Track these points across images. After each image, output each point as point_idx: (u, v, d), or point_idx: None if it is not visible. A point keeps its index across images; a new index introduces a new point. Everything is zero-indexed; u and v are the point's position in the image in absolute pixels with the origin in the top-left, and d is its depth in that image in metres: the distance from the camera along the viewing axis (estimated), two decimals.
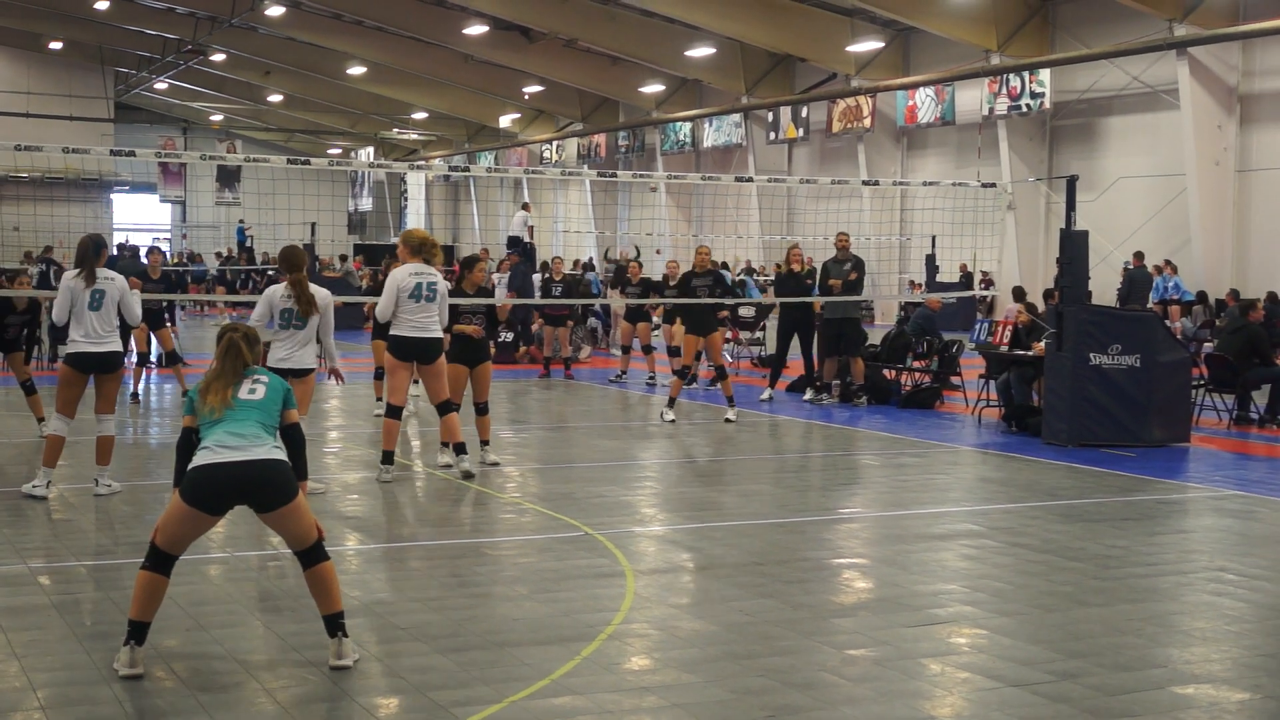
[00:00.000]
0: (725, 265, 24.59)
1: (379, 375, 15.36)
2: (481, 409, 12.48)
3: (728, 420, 15.66)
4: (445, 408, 11.59)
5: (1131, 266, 29.06)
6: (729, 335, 22.56)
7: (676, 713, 5.83)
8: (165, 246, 59.21)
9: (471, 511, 10.51)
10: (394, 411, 11.53)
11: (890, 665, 6.57)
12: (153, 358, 20.22)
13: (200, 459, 6.22)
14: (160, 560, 6.27)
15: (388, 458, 11.49)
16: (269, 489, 6.23)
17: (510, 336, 23.60)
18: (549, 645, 6.76)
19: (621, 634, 6.98)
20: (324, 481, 11.15)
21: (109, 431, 10.64)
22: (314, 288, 10.54)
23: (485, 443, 12.50)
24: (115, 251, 27.18)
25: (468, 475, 11.57)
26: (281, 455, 6.37)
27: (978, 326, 18.15)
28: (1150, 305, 27.25)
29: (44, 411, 13.41)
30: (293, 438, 6.56)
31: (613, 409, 17.65)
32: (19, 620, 7.06)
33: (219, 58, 51.92)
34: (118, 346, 10.65)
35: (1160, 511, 10.96)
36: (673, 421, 15.60)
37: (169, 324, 18.06)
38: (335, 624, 6.36)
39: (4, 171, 52.53)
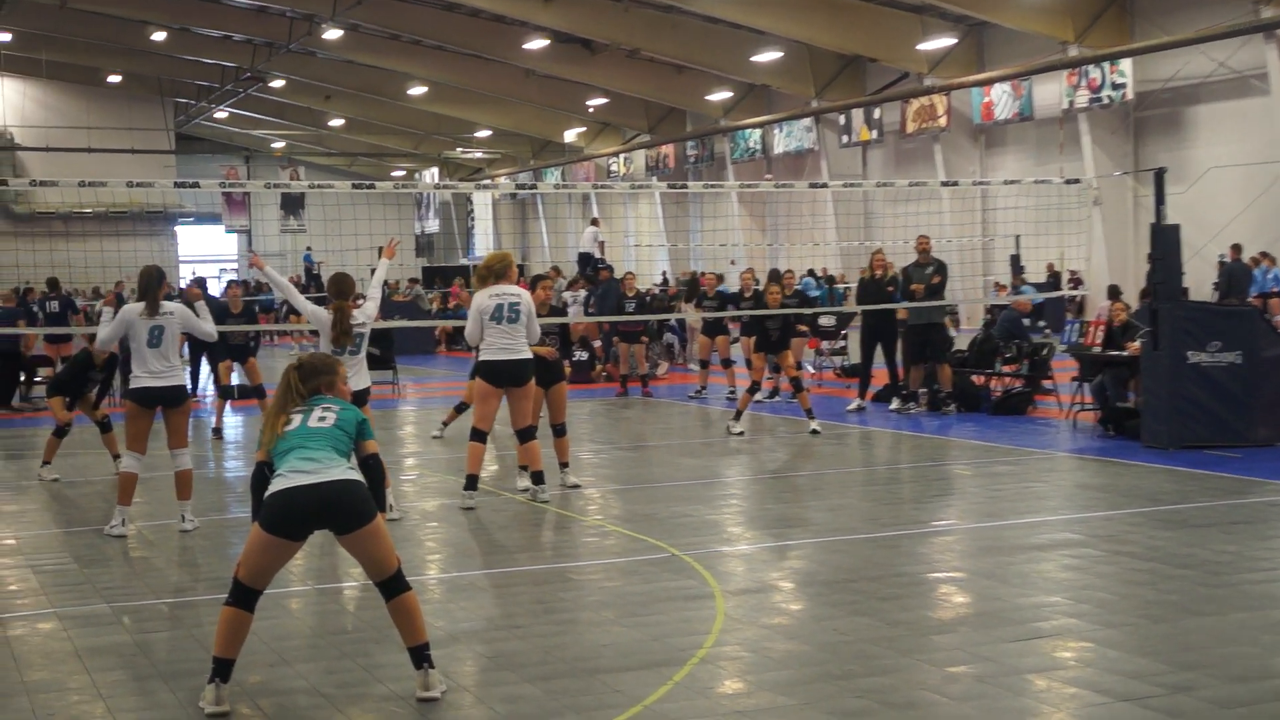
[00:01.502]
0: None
1: (460, 408, 15.42)
2: (558, 430, 12.39)
3: (814, 432, 15.59)
4: (527, 434, 11.62)
5: (1228, 260, 28.63)
6: (808, 345, 22.47)
7: None
8: (233, 277, 60.09)
9: (554, 536, 10.53)
10: (479, 436, 11.51)
11: (994, 682, 6.50)
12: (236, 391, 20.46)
13: (275, 485, 6.29)
14: (244, 596, 6.32)
15: (471, 483, 11.50)
16: (345, 509, 6.27)
17: (586, 355, 23.66)
18: (640, 670, 6.75)
19: (713, 657, 6.96)
20: (402, 510, 11.21)
21: (185, 465, 10.72)
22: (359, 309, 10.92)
23: (564, 465, 12.49)
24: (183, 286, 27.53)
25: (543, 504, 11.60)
26: (356, 476, 6.41)
27: (1068, 327, 17.93)
28: (1250, 299, 26.82)
29: (119, 449, 13.57)
30: (370, 469, 6.59)
31: (693, 426, 17.63)
32: (103, 660, 7.15)
33: (278, 84, 52.54)
34: (180, 380, 10.74)
35: (1271, 514, 10.77)
36: (740, 434, 15.59)
37: (254, 356, 18.22)
38: (420, 655, 6.38)
39: (69, 208, 53.46)
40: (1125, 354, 15.21)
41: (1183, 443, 13.68)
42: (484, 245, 63.42)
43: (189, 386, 10.80)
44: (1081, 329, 17.05)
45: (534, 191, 44.92)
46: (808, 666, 6.81)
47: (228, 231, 63.51)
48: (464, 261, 58.36)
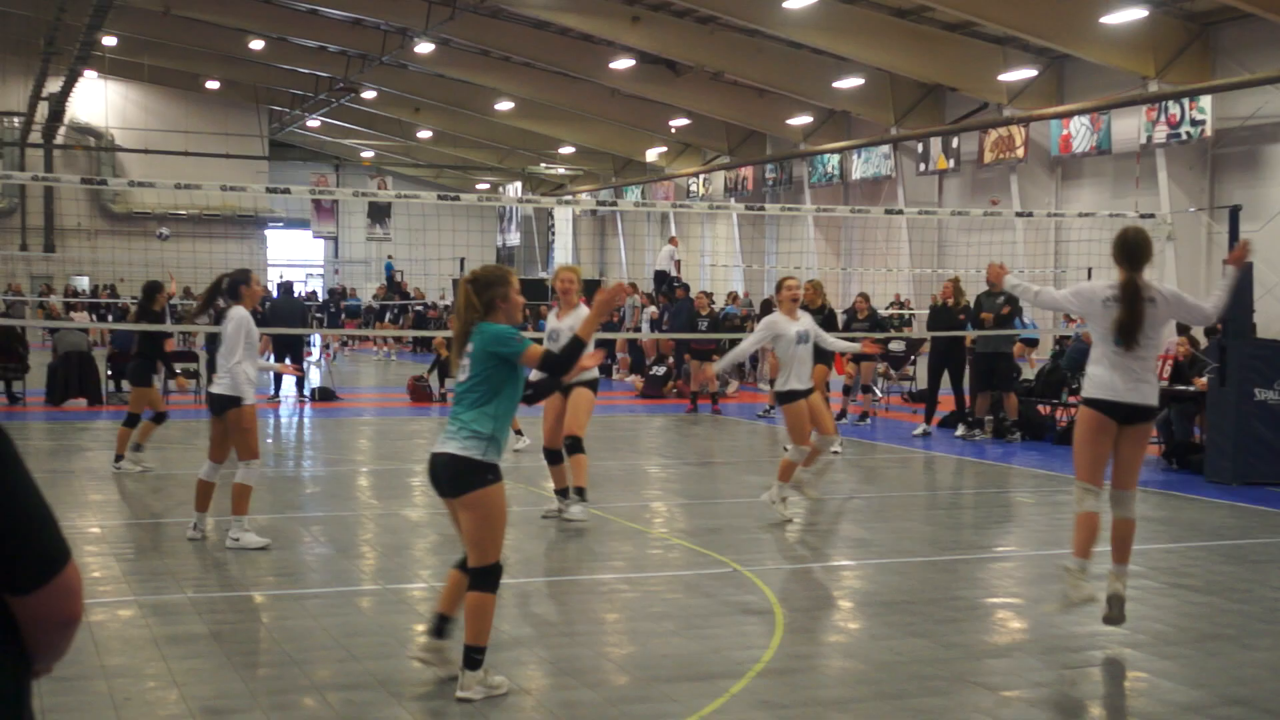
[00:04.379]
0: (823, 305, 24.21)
1: None
2: (570, 445, 11.24)
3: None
4: (573, 445, 11.22)
5: None
6: (879, 369, 22.42)
7: None
8: (317, 284, 60.71)
9: (619, 547, 10.56)
10: (550, 455, 11.43)
11: (1046, 708, 6.47)
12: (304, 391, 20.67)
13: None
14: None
15: (580, 493, 11.18)
16: (444, 479, 6.45)
17: (662, 371, 23.72)
18: (697, 681, 6.77)
19: (770, 671, 6.97)
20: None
21: (236, 479, 10.17)
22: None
23: (578, 490, 11.24)
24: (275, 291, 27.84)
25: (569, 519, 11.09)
26: (461, 451, 6.33)
27: None
28: None
29: (138, 440, 14.08)
30: (546, 367, 6.57)
31: (760, 444, 17.62)
32: (178, 649, 7.26)
33: (370, 95, 53.05)
34: (220, 388, 10.16)
35: None
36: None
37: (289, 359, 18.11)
38: (468, 656, 6.43)
39: (164, 209, 54.30)
40: (1192, 389, 15.07)
41: (1246, 479, 13.53)
42: (563, 259, 63.65)
43: (236, 396, 10.11)
44: None
45: (614, 209, 45.09)
46: (863, 685, 6.81)
47: (315, 237, 64.32)
48: (542, 275, 58.62)
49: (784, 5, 33.41)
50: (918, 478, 15.03)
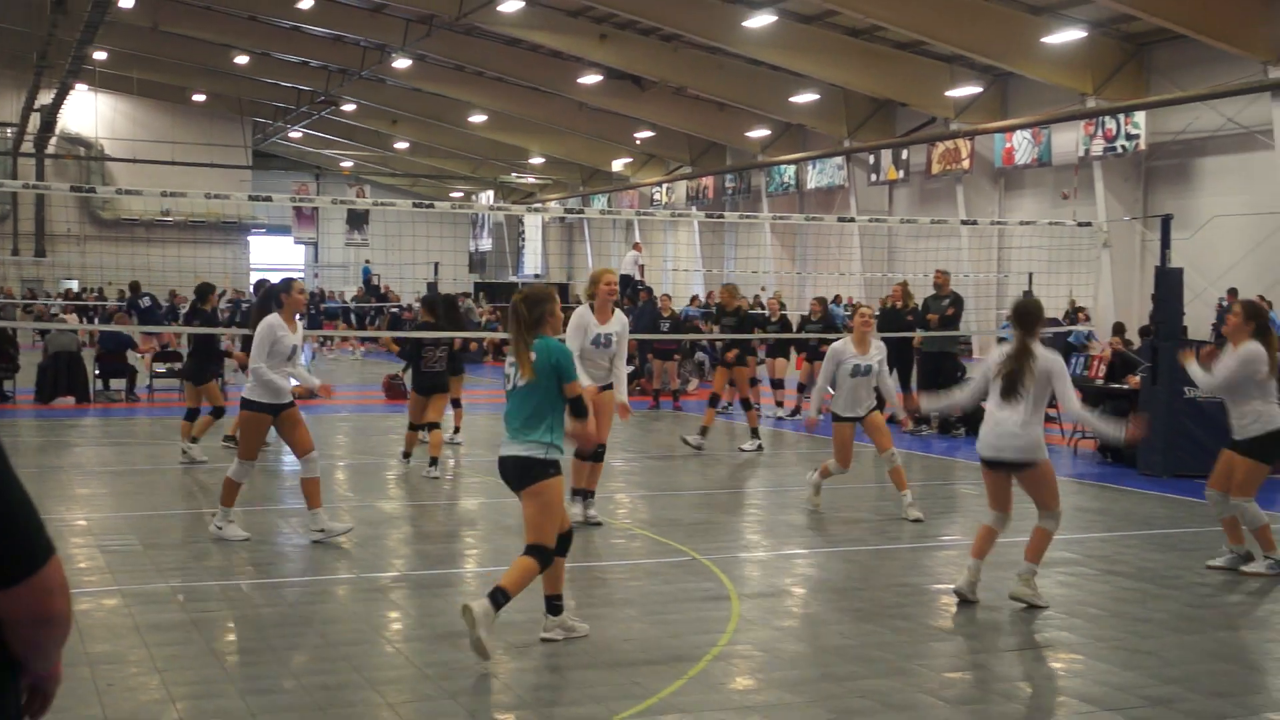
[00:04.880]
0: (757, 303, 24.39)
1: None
2: (597, 452, 10.58)
3: (741, 450, 15.70)
4: (599, 452, 10.60)
5: (1226, 303, 28.44)
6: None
7: None
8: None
9: (583, 537, 10.51)
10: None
11: (987, 688, 6.48)
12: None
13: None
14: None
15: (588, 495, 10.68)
16: (513, 477, 7.06)
17: (632, 369, 23.68)
18: (657, 665, 6.76)
19: (726, 655, 6.96)
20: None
21: (302, 474, 9.95)
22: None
23: (587, 492, 10.76)
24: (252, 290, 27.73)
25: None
26: (527, 453, 6.93)
27: (1074, 360, 17.86)
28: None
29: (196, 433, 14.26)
30: (572, 410, 7.11)
31: (718, 439, 17.61)
32: (160, 636, 7.20)
33: (349, 108, 52.86)
34: (245, 390, 9.91)
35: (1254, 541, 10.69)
36: (759, 449, 15.75)
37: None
38: (549, 603, 7.16)
39: (151, 216, 54.00)
40: (1125, 387, 15.14)
41: (1176, 471, 13.60)
42: (533, 265, 63.63)
43: (250, 399, 9.80)
44: (1086, 363, 16.98)
45: (581, 216, 45.06)
46: (814, 667, 6.81)
47: (296, 243, 64.03)
48: (513, 279, 58.54)
49: (744, 24, 33.47)
50: (867, 471, 15.05)
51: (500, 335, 15.12)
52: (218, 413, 14.44)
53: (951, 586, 8.28)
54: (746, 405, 16.30)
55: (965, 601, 8.11)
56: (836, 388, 11.30)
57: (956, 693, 6.39)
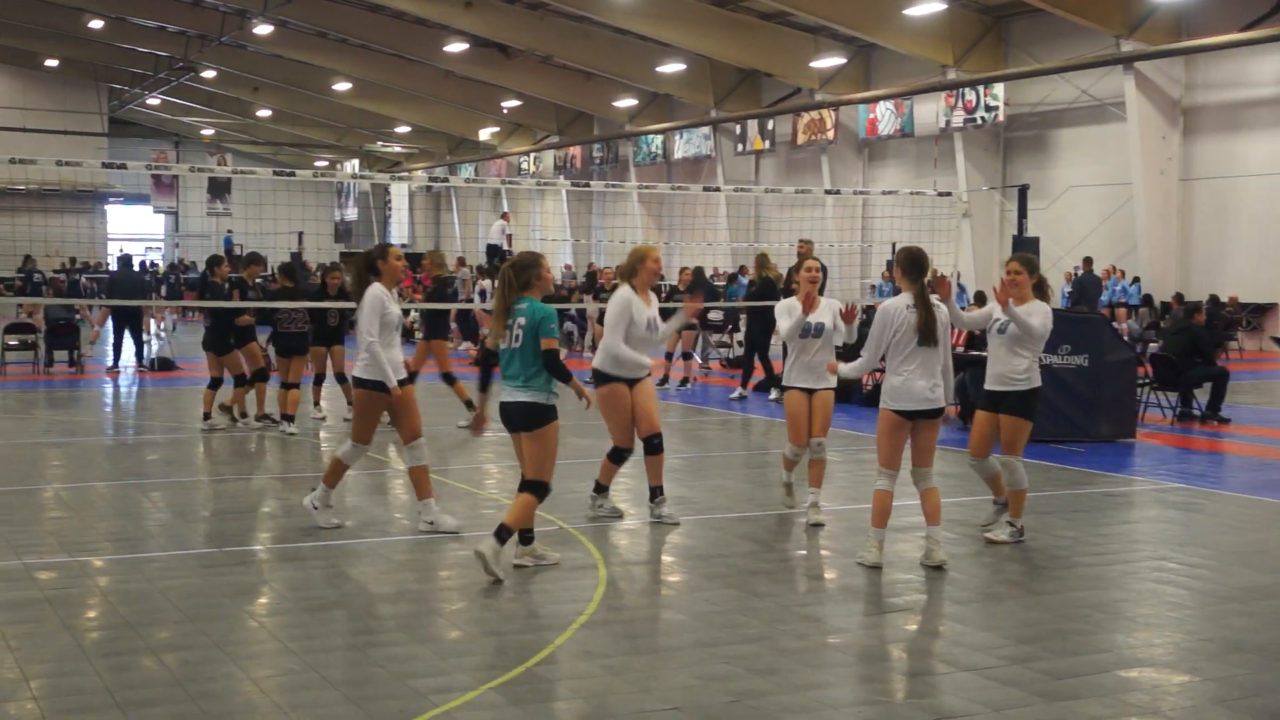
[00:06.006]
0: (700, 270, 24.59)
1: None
2: (656, 443, 9.69)
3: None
4: (658, 443, 9.73)
5: (1081, 272, 29.16)
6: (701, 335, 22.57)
7: (645, 698, 5.82)
8: (158, 256, 59.11)
9: (452, 506, 10.43)
10: (620, 455, 9.87)
11: (849, 651, 6.59)
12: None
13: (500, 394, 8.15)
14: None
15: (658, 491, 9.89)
16: (518, 421, 8.02)
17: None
18: (525, 634, 6.76)
19: (593, 623, 6.98)
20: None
21: (408, 462, 9.31)
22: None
23: (657, 489, 9.86)
24: (114, 264, 27.03)
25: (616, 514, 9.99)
26: (529, 398, 7.94)
27: None
28: (1100, 308, 27.32)
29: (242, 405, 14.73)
30: (547, 364, 7.96)
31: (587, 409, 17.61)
32: (13, 614, 7.02)
33: (209, 74, 51.77)
34: (360, 370, 9.09)
35: (1107, 504, 11.02)
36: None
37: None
38: (501, 531, 7.78)
39: (1, 185, 52.36)
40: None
41: (1033, 437, 13.87)
42: (399, 234, 62.98)
43: (378, 380, 8.98)
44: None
45: (447, 185, 44.70)
46: (681, 634, 6.86)
47: (155, 212, 62.63)
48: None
49: None
50: (735, 438, 15.19)
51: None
52: (239, 381, 14.71)
53: (804, 552, 8.37)
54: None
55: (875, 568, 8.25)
56: (788, 353, 9.90)
57: (819, 657, 6.48)
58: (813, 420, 9.78)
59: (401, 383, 9.03)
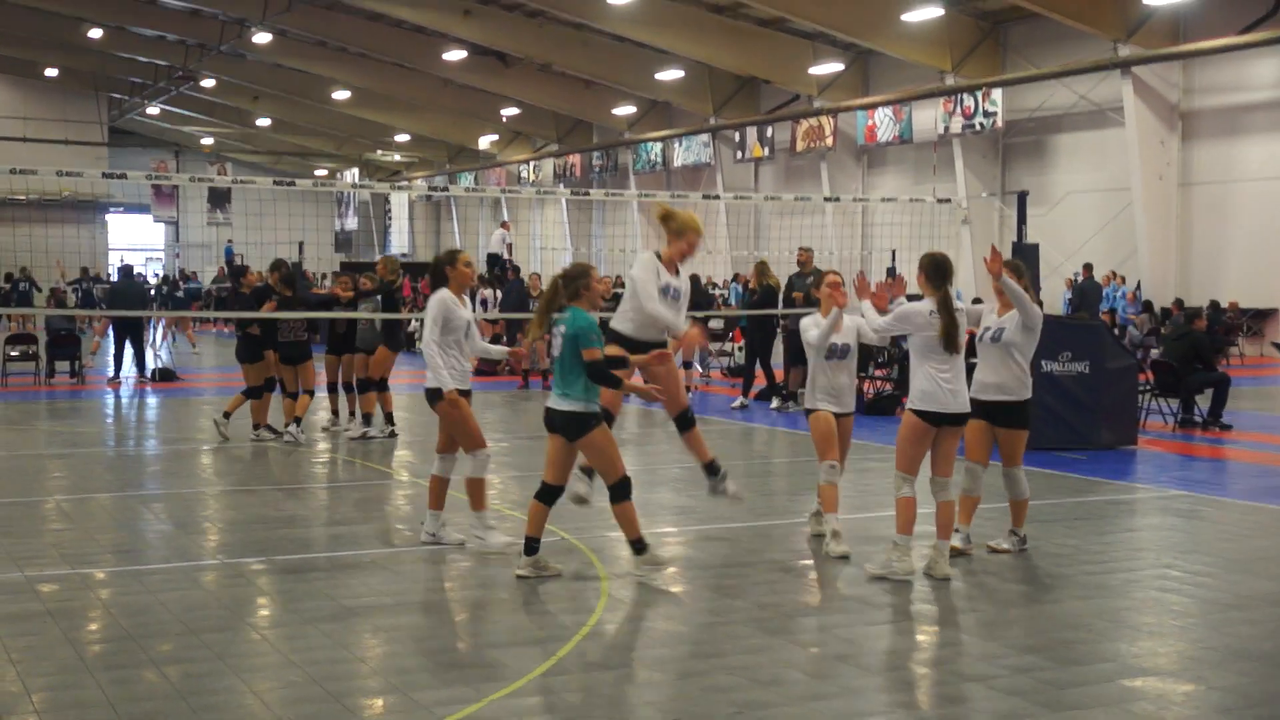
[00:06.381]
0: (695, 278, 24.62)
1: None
2: (687, 420, 9.27)
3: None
4: (688, 419, 9.29)
5: (1081, 278, 29.17)
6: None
7: (648, 710, 5.81)
8: (157, 267, 59.05)
9: (452, 518, 10.43)
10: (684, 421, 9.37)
11: (852, 662, 6.57)
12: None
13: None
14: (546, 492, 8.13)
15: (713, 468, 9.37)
16: (563, 430, 8.07)
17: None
18: (527, 646, 6.74)
19: (596, 635, 6.97)
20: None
21: (466, 473, 9.17)
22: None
23: (711, 466, 9.32)
24: (115, 275, 26.98)
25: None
26: (570, 406, 7.98)
27: None
28: (1100, 314, 27.31)
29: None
30: (592, 374, 7.92)
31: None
32: (16, 627, 7.00)
33: (209, 83, 51.78)
34: (429, 380, 9.02)
35: (1109, 511, 11.00)
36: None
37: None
38: (634, 547, 8.15)
39: (2, 195, 52.36)
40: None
41: (1034, 445, 13.83)
42: (399, 243, 63.02)
43: (436, 387, 8.94)
44: None
45: (447, 194, 44.72)
46: (682, 644, 6.85)
47: (155, 221, 62.66)
48: (379, 258, 57.92)
49: (609, 1, 33.41)
50: (735, 448, 15.17)
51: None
52: (251, 393, 14.75)
53: (817, 558, 8.34)
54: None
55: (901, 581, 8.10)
56: (809, 374, 9.43)
57: (822, 667, 6.47)
58: (842, 447, 9.32)
59: (463, 394, 8.95)
